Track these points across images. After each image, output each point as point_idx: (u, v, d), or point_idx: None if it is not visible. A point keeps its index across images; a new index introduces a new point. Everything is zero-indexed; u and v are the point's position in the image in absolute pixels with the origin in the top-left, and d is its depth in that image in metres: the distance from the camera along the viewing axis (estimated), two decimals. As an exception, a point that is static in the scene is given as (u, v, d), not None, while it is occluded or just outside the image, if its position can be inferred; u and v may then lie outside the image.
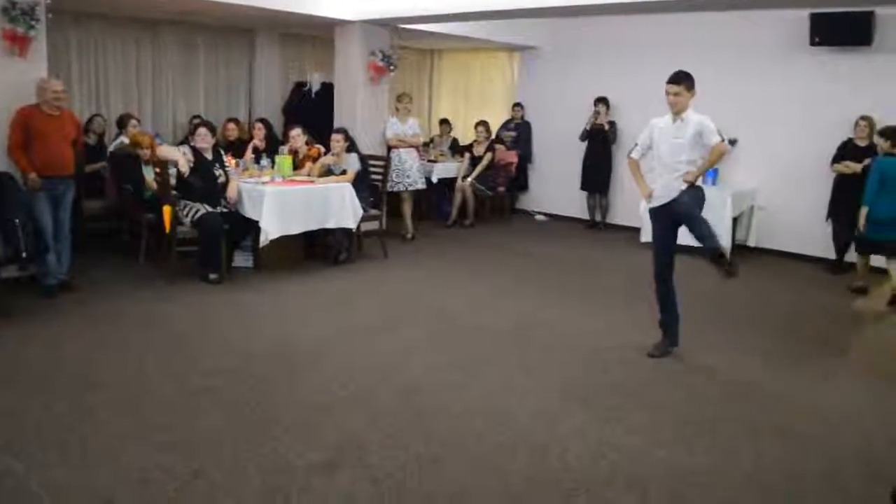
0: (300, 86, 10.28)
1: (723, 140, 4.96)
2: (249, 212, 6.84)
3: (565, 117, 10.23)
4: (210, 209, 6.63)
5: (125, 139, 7.65)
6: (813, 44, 8.16)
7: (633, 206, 9.29)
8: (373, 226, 8.03)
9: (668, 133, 5.03)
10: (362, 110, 8.91)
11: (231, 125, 8.72)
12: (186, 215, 6.58)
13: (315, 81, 10.06)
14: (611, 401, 4.40)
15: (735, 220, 8.41)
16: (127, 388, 4.32)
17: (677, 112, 4.97)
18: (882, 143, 6.89)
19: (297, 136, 8.00)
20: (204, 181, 6.67)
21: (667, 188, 5.06)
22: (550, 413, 4.19)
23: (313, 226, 7.14)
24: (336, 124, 8.71)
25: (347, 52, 8.88)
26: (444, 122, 11.28)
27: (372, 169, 8.06)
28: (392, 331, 5.56)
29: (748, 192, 8.71)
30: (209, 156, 6.83)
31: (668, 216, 5.10)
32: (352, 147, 7.77)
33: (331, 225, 7.22)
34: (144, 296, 6.14)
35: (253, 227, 6.84)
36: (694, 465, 3.65)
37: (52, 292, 5.99)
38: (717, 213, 8.20)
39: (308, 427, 3.89)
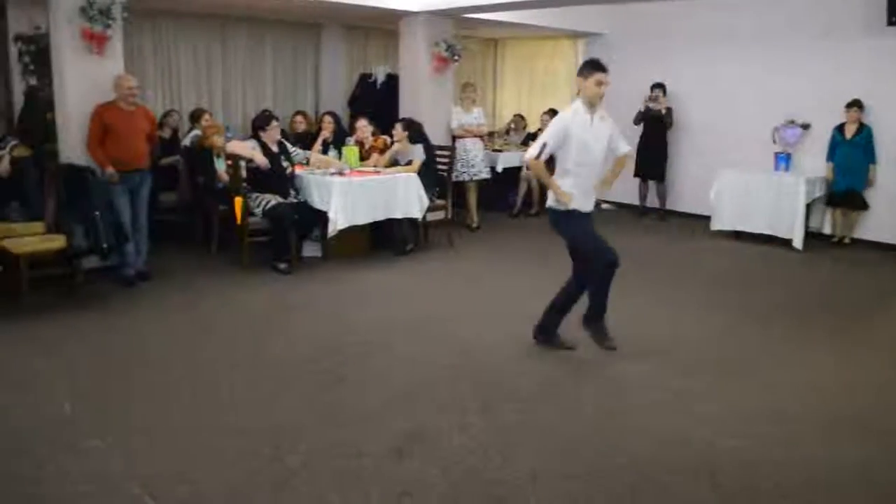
0: (366, 77, 10.37)
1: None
2: (318, 203, 6.97)
3: (629, 104, 10.07)
4: (281, 200, 6.77)
5: (199, 132, 7.85)
6: (890, 23, 7.84)
7: (698, 192, 9.14)
8: (439, 216, 8.08)
9: (591, 132, 4.48)
10: (427, 101, 8.95)
11: (299, 118, 8.86)
12: (258, 206, 6.73)
13: (380, 73, 10.14)
14: (679, 388, 4.35)
15: (808, 207, 8.16)
16: (203, 373, 4.46)
17: (594, 106, 4.46)
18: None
19: (364, 127, 8.11)
20: (273, 173, 6.82)
21: (587, 196, 4.59)
22: (615, 403, 4.17)
23: (380, 216, 7.22)
24: (401, 115, 8.78)
25: (412, 43, 8.93)
26: (520, 117, 11.26)
27: (438, 159, 8.11)
28: (458, 320, 5.58)
29: (822, 179, 8.43)
30: (274, 148, 6.96)
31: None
32: (417, 138, 7.83)
33: (397, 215, 7.30)
34: (218, 285, 6.32)
35: (322, 218, 6.97)
36: (764, 455, 3.58)
37: (131, 281, 6.22)
38: (791, 201, 8.03)
39: (378, 414, 3.96)
